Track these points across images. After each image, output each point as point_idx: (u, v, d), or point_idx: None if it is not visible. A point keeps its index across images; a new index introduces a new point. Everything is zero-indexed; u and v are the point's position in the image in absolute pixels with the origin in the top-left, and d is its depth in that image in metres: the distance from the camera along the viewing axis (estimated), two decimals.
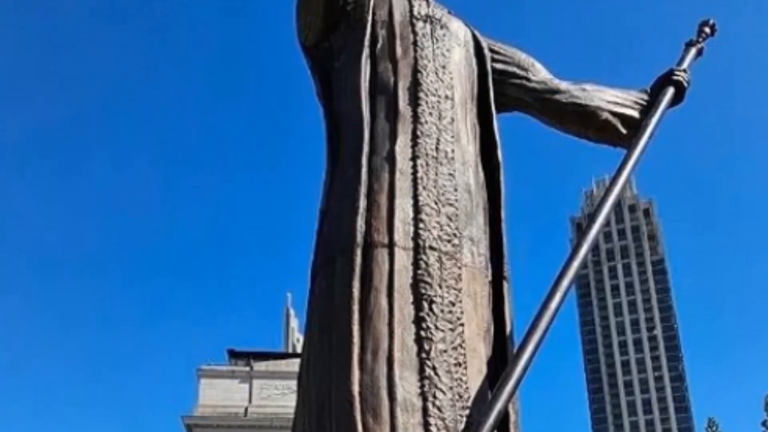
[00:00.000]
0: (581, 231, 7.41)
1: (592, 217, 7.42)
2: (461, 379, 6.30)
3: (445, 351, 6.29)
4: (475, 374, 6.44)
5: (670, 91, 8.48)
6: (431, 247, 6.60)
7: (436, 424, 6.00)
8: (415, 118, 7.11)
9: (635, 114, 8.42)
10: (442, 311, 6.40)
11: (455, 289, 6.57)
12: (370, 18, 7.67)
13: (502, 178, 7.59)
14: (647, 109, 8.40)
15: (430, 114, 7.17)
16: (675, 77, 8.57)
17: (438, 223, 6.73)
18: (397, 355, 6.13)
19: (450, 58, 7.68)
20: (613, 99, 8.45)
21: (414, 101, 7.20)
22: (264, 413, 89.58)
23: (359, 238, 6.54)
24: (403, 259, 6.49)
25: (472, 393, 6.32)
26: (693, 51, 9.10)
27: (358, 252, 6.49)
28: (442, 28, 7.82)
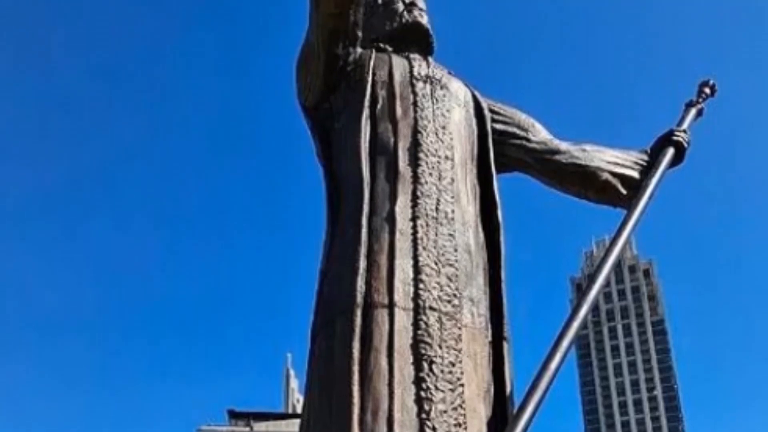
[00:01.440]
0: (581, 291, 7.40)
1: (592, 278, 7.41)
2: None
3: (445, 411, 6.25)
4: None
5: (670, 152, 8.49)
6: (431, 308, 6.58)
7: None
8: (415, 179, 7.12)
9: (635, 174, 8.43)
10: (442, 372, 6.37)
11: (455, 349, 6.54)
12: (370, 78, 7.71)
13: (502, 239, 7.59)
14: (647, 170, 8.40)
15: (430, 174, 7.18)
16: (675, 138, 8.58)
17: (438, 283, 6.71)
18: (397, 415, 6.09)
19: (450, 118, 7.70)
20: (613, 159, 8.46)
21: (414, 162, 7.21)
22: None
23: (359, 299, 6.52)
24: (403, 320, 6.47)
25: None
26: (693, 111, 9.12)
27: (358, 313, 6.47)
28: (442, 88, 7.85)
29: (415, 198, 7.02)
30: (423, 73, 7.86)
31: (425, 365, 6.34)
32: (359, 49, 7.88)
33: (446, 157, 7.39)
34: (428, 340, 6.44)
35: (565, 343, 6.72)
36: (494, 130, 8.14)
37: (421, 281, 6.65)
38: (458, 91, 8.05)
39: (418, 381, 6.28)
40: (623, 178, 8.40)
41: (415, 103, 7.59)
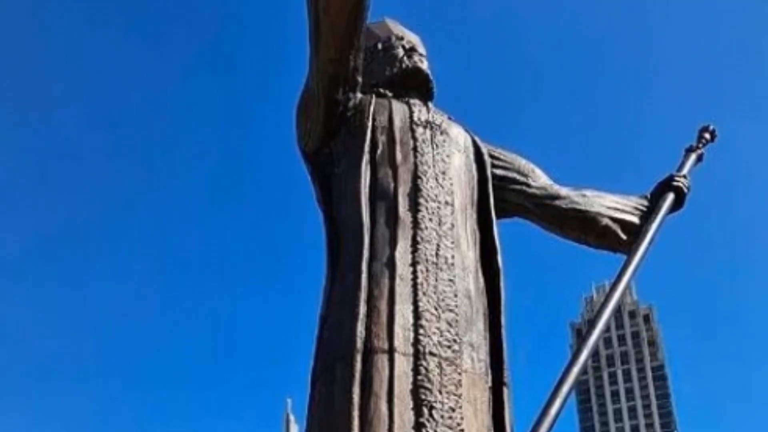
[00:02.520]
0: (581, 337, 7.40)
1: (592, 323, 7.42)
2: None
3: None
4: None
5: (670, 197, 8.51)
6: (431, 353, 6.57)
7: None
8: (415, 224, 7.13)
9: (635, 220, 8.44)
10: (442, 417, 6.35)
11: (455, 394, 6.52)
12: (370, 124, 7.72)
13: (502, 284, 7.59)
14: (647, 215, 8.42)
15: (430, 220, 7.19)
16: (675, 183, 8.60)
17: (438, 328, 6.70)
18: None
19: (450, 163, 7.72)
20: (613, 205, 8.48)
21: (414, 207, 7.22)
22: None
23: (359, 344, 6.51)
24: (403, 365, 6.46)
25: None
26: (693, 157, 9.14)
27: (358, 358, 6.46)
28: (442, 133, 7.87)
29: (415, 243, 7.02)
30: (423, 118, 7.88)
31: (425, 410, 6.32)
32: (359, 95, 7.90)
33: (446, 203, 7.40)
34: (428, 385, 6.42)
35: (565, 388, 6.71)
36: (494, 176, 8.15)
37: (421, 326, 6.64)
38: (458, 136, 8.08)
39: (419, 426, 6.26)
40: (623, 224, 8.41)
41: (415, 149, 7.61)
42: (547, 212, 8.37)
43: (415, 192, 7.33)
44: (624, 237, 8.37)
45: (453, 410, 6.45)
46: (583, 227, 8.41)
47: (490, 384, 7.03)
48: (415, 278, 6.86)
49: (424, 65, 8.54)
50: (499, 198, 8.08)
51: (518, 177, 8.36)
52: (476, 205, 7.85)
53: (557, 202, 8.34)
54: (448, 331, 6.76)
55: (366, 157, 7.52)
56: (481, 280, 7.44)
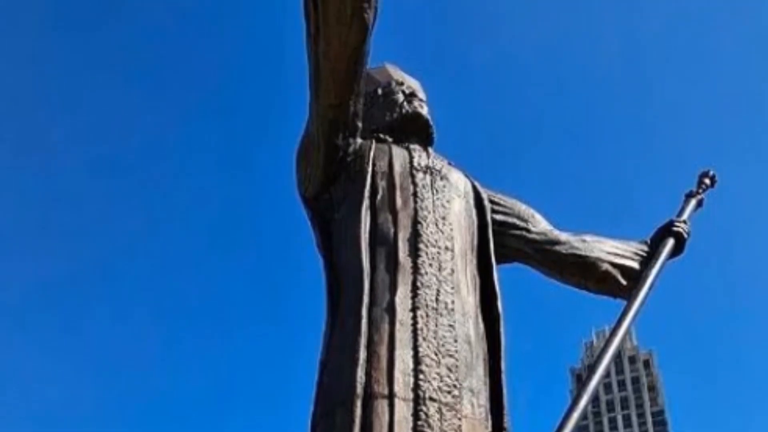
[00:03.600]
0: (581, 382, 7.38)
1: (592, 368, 7.40)
2: None
3: None
4: None
5: (670, 243, 8.51)
6: (431, 398, 6.55)
7: None
8: (415, 270, 7.13)
9: (635, 265, 8.45)
10: None
11: None
12: (370, 169, 7.74)
13: (502, 329, 7.57)
14: (647, 261, 8.42)
15: (430, 265, 7.19)
16: (675, 228, 8.62)
17: (438, 374, 6.69)
18: None
19: (450, 209, 7.73)
20: (613, 250, 8.49)
21: (414, 252, 7.22)
22: None
23: (359, 390, 6.49)
24: (403, 410, 6.43)
25: None
26: (693, 202, 9.16)
27: (358, 403, 6.43)
28: (442, 179, 7.88)
29: (415, 289, 7.02)
30: (423, 163, 7.90)
31: None
32: (359, 140, 7.91)
33: (446, 248, 7.40)
34: (428, 430, 6.40)
35: None
36: (494, 221, 8.16)
37: (421, 372, 6.62)
38: (458, 181, 8.09)
39: None
40: (623, 269, 8.42)
41: (415, 194, 7.62)
42: (547, 257, 8.38)
43: (415, 237, 7.34)
44: (624, 282, 8.37)
45: None
46: (583, 272, 8.42)
47: (490, 429, 7.00)
48: (415, 323, 6.85)
49: (424, 110, 8.57)
50: (499, 243, 8.09)
51: (518, 222, 8.37)
52: (476, 251, 7.85)
53: (557, 248, 8.35)
54: (448, 377, 6.74)
55: (366, 203, 7.53)
56: (481, 325, 7.43)
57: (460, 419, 6.63)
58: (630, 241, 8.72)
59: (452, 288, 7.21)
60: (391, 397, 6.47)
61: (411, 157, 7.95)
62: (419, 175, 7.79)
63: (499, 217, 8.28)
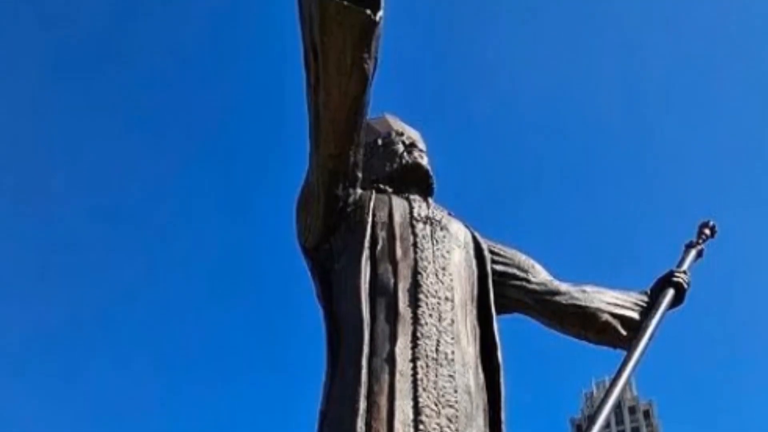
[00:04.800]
0: None
1: (592, 419, 7.37)
2: None
3: None
4: None
5: (670, 293, 8.51)
6: None
7: None
8: (415, 320, 7.11)
9: (635, 315, 8.44)
10: None
11: None
12: (370, 219, 7.74)
13: (502, 380, 7.55)
14: (647, 311, 8.42)
15: (430, 315, 7.18)
16: (675, 279, 8.61)
17: (438, 424, 6.66)
18: None
19: (450, 259, 7.73)
20: (613, 300, 8.48)
21: (414, 303, 7.21)
22: None
23: None
24: None
25: None
26: (693, 252, 9.16)
27: None
28: (442, 229, 7.89)
29: (415, 339, 7.00)
30: (423, 214, 7.91)
31: None
32: (359, 190, 7.92)
33: (446, 298, 7.39)
34: None
35: None
36: (494, 271, 8.16)
37: (421, 422, 6.60)
38: (458, 232, 8.10)
39: None
40: (623, 319, 8.41)
41: (415, 244, 7.62)
42: (547, 308, 8.38)
43: (415, 288, 7.33)
44: (624, 333, 8.36)
45: None
46: (583, 323, 8.41)
47: None
48: (415, 374, 6.83)
49: (424, 161, 8.59)
50: (499, 294, 8.08)
51: (518, 273, 8.38)
52: (476, 301, 7.84)
53: (557, 298, 8.35)
54: (448, 427, 6.72)
55: (366, 253, 7.53)
56: (481, 375, 7.41)
57: None
58: (630, 292, 8.71)
59: (452, 338, 7.20)
60: None
61: (411, 208, 7.96)
62: (419, 226, 7.80)
63: (499, 267, 8.28)
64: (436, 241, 7.75)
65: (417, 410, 6.66)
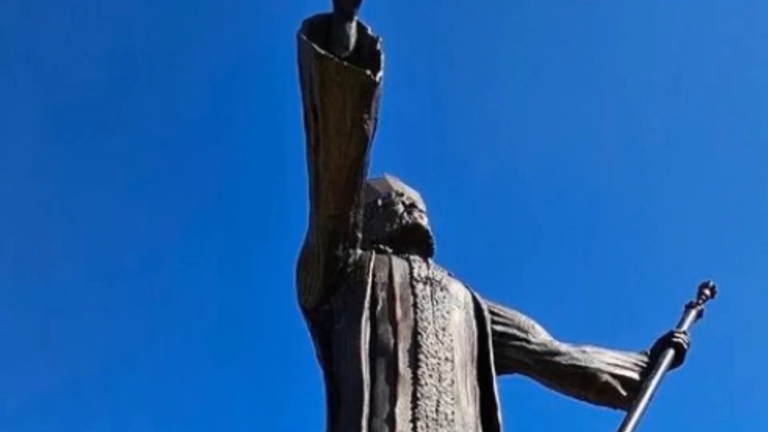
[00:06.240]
0: None
1: None
2: None
3: None
4: None
5: (670, 354, 8.50)
6: None
7: None
8: (415, 380, 7.08)
9: (635, 376, 8.42)
10: None
11: None
12: (370, 280, 7.72)
13: None
14: (647, 371, 8.40)
15: (430, 376, 7.15)
16: (675, 339, 8.61)
17: None
18: None
19: (450, 320, 7.70)
20: (613, 361, 8.46)
21: (414, 363, 7.18)
22: None
23: None
24: None
25: None
26: (693, 313, 9.16)
27: None
28: (442, 290, 7.87)
29: (415, 400, 6.97)
30: (423, 274, 7.90)
31: None
32: (359, 251, 7.91)
33: (446, 359, 7.36)
34: None
35: None
36: (494, 332, 8.15)
37: None
38: (458, 292, 8.08)
39: None
40: (623, 380, 8.39)
41: (415, 305, 7.60)
42: (547, 368, 8.35)
43: (415, 348, 7.30)
44: (624, 393, 8.34)
45: None
46: (583, 383, 8.38)
47: None
48: None
49: (424, 221, 8.61)
50: (499, 354, 8.06)
51: (518, 333, 8.36)
52: (476, 361, 7.81)
53: (557, 359, 8.33)
54: None
55: (366, 313, 7.50)
56: None
57: None
58: (630, 352, 8.70)
59: (452, 399, 7.16)
60: None
61: (411, 268, 7.95)
62: (419, 286, 7.79)
63: (499, 327, 8.27)
64: (436, 301, 7.74)
65: None
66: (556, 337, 8.54)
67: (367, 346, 7.30)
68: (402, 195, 8.80)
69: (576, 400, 8.61)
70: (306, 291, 7.95)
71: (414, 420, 6.87)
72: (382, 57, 6.45)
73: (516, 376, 8.53)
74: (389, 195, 8.77)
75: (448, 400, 7.13)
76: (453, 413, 7.08)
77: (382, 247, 8.26)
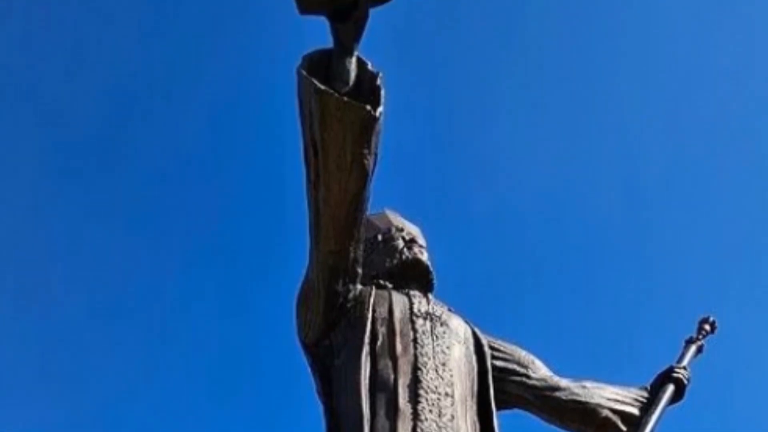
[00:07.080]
0: None
1: None
2: None
3: None
4: None
5: (670, 389, 8.49)
6: None
7: None
8: (415, 416, 7.06)
9: (635, 411, 8.42)
10: None
11: None
12: (370, 315, 7.72)
13: None
14: (647, 407, 8.40)
15: (431, 411, 7.14)
16: (675, 374, 8.60)
17: None
18: None
19: (450, 355, 7.70)
20: (613, 396, 8.46)
21: (414, 398, 7.17)
22: None
23: None
24: None
25: None
26: (693, 348, 9.16)
27: None
28: (442, 325, 7.87)
29: None
30: (423, 309, 7.90)
31: None
32: (359, 286, 7.90)
33: (446, 394, 7.35)
34: None
35: None
36: (494, 367, 8.14)
37: None
38: (458, 327, 8.08)
39: None
40: (623, 415, 8.38)
41: (415, 340, 7.59)
42: (547, 404, 8.34)
43: (415, 383, 7.29)
44: (624, 428, 8.33)
45: None
46: (583, 419, 8.37)
47: None
48: None
49: (424, 257, 8.61)
50: (499, 389, 8.05)
51: (518, 368, 8.35)
52: (476, 397, 7.80)
53: (557, 394, 8.32)
54: None
55: (366, 349, 7.49)
56: None
57: None
58: (630, 387, 8.70)
59: None
60: None
61: (411, 304, 7.95)
62: (419, 322, 7.78)
63: (499, 363, 8.26)
64: (436, 336, 7.74)
65: None
66: (556, 372, 8.54)
67: (367, 381, 7.28)
68: (402, 230, 8.80)
69: None
70: (306, 326, 7.94)
71: None
72: (382, 92, 6.43)
73: (516, 411, 8.51)
74: (389, 230, 8.78)
75: None
76: None
77: (382, 282, 8.25)
